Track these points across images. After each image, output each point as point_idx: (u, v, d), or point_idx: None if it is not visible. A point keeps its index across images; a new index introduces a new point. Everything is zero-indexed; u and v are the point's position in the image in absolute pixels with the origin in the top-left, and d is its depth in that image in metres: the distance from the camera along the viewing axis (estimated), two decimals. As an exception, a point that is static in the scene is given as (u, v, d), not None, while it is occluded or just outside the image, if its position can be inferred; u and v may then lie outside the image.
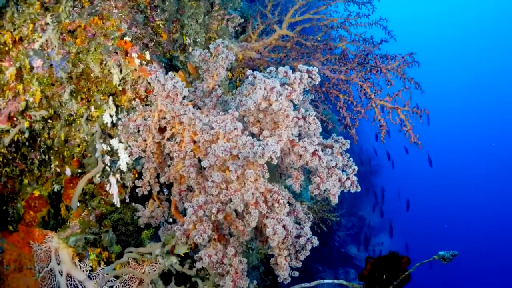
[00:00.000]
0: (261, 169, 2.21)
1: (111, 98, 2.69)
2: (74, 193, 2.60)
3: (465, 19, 51.46)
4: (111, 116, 2.69)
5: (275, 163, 2.13)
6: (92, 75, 2.66)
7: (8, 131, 2.62)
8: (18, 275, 2.64)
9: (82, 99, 2.67)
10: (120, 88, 2.68)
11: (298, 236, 2.32)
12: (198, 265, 2.30)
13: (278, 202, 2.25)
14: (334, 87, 2.88)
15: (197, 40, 2.98)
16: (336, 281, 2.78)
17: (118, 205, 2.66)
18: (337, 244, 11.30)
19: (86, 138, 2.73)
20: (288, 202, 2.43)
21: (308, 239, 2.30)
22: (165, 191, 2.80)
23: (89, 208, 2.82)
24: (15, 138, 2.63)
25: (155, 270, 2.56)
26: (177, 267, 2.55)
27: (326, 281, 2.76)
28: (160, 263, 2.56)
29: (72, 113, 2.68)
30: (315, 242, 2.33)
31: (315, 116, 2.30)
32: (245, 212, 2.22)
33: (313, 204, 4.15)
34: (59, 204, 2.90)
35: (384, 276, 2.77)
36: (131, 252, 2.61)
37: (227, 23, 3.05)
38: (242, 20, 3.14)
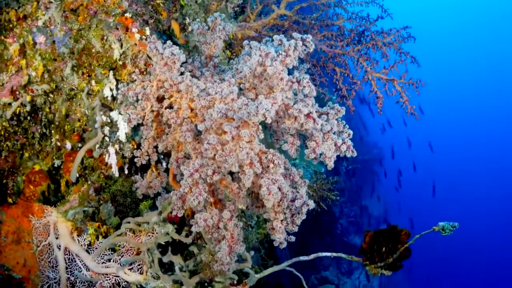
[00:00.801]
0: (256, 129, 2.23)
1: (111, 72, 2.74)
2: (73, 164, 2.63)
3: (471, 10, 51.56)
4: (111, 90, 2.74)
5: (269, 122, 2.14)
6: (93, 50, 2.73)
7: (10, 104, 2.67)
8: (15, 247, 2.65)
9: (83, 73, 2.74)
10: (120, 62, 2.74)
11: (293, 200, 2.31)
12: (193, 229, 2.30)
13: (273, 163, 2.26)
14: (330, 61, 2.92)
15: (196, 20, 3.05)
16: (334, 254, 2.75)
17: (117, 174, 2.69)
18: (339, 233, 11.19)
19: (87, 112, 2.78)
20: (284, 167, 2.44)
21: (304, 202, 2.29)
22: (164, 165, 2.82)
23: (89, 182, 2.85)
24: (17, 111, 2.68)
25: (152, 239, 2.56)
26: (174, 235, 2.55)
27: (324, 254, 2.73)
28: (157, 232, 2.56)
29: (73, 87, 2.74)
30: (311, 204, 2.33)
31: (309, 79, 2.33)
32: (240, 173, 2.23)
33: (313, 182, 4.14)
34: (60, 181, 2.93)
35: (384, 248, 2.74)
36: (129, 222, 2.62)
37: (226, 4, 3.14)
38: (241, 1, 3.22)
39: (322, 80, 3.03)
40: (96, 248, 2.78)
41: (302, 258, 2.76)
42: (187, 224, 2.63)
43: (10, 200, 2.74)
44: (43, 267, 2.75)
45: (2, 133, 2.69)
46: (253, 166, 2.19)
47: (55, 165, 2.85)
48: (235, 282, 2.71)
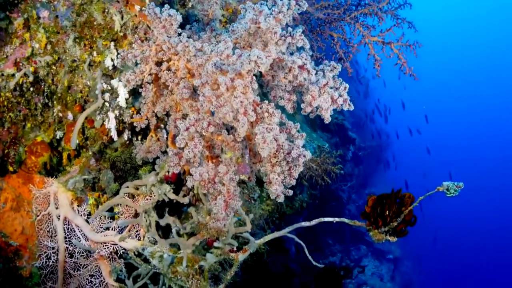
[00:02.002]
0: (250, 80, 2.24)
1: (112, 43, 2.81)
2: (74, 129, 2.66)
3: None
4: (112, 60, 2.80)
5: (262, 70, 2.15)
6: (95, 23, 2.80)
7: (13, 75, 2.74)
8: (14, 215, 2.65)
9: (85, 45, 2.81)
10: (121, 34, 2.81)
11: (290, 152, 2.29)
12: (189, 183, 2.28)
13: (267, 112, 2.26)
14: (327, 27, 2.95)
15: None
16: (337, 219, 2.68)
17: (116, 138, 2.70)
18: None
19: (89, 83, 2.83)
20: (280, 121, 2.43)
21: (301, 153, 2.27)
22: (164, 133, 2.83)
23: (90, 152, 2.87)
24: (20, 82, 2.75)
25: (149, 201, 2.54)
26: (170, 195, 2.52)
27: (326, 219, 2.67)
28: (154, 194, 2.54)
29: (76, 59, 2.81)
30: (308, 155, 2.30)
31: (302, 32, 2.35)
32: (235, 123, 2.22)
33: (316, 157, 4.08)
34: (62, 154, 2.96)
35: (387, 212, 2.66)
36: (127, 187, 2.61)
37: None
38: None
39: (319, 45, 3.06)
40: (96, 217, 2.76)
41: (303, 223, 2.70)
42: (184, 185, 2.61)
43: (11, 168, 2.76)
44: (41, 237, 2.74)
45: (5, 103, 2.74)
46: (248, 115, 2.18)
47: (57, 137, 2.88)
48: (235, 248, 2.65)
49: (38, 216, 2.75)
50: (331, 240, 10.07)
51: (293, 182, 2.32)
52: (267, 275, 4.79)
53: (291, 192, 2.32)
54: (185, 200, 2.54)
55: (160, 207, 2.62)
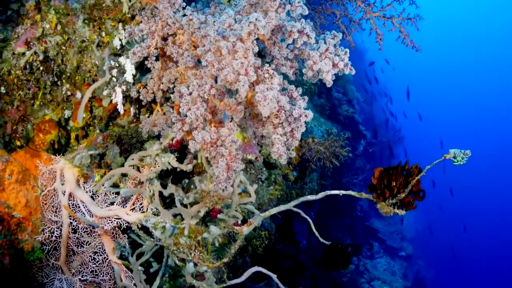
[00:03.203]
0: (250, 43, 2.27)
1: (120, 24, 2.89)
2: (81, 104, 2.70)
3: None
4: (120, 40, 2.88)
5: (261, 32, 2.18)
6: (103, 5, 2.89)
7: (24, 54, 2.83)
8: (19, 187, 2.66)
9: (94, 26, 2.89)
10: (129, 15, 2.90)
11: (291, 113, 2.29)
12: (191, 145, 2.28)
13: (268, 73, 2.28)
14: (329, 4, 2.98)
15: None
16: (343, 192, 2.63)
17: (122, 111, 2.73)
18: (360, 214, 10.62)
19: (97, 63, 2.90)
20: (282, 87, 2.44)
21: (303, 112, 2.26)
22: (170, 109, 2.85)
23: (97, 131, 2.90)
24: (30, 60, 2.83)
25: (153, 170, 2.53)
26: (174, 163, 2.52)
27: (332, 192, 2.62)
28: (158, 164, 2.54)
29: (85, 39, 2.89)
30: (310, 115, 2.29)
31: (300, 0, 2.39)
32: (236, 84, 2.24)
33: (324, 140, 4.04)
34: (69, 135, 3.00)
35: (394, 183, 2.60)
36: (133, 159, 2.62)
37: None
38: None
39: (322, 21, 3.10)
40: (101, 193, 2.76)
41: (309, 197, 2.65)
42: (188, 153, 2.60)
43: (18, 143, 2.81)
44: (46, 212, 2.74)
45: (15, 81, 2.82)
46: (248, 75, 2.20)
47: (65, 116, 2.93)
48: (239, 222, 2.61)
49: (43, 191, 2.76)
50: (343, 237, 9.86)
51: (296, 143, 2.30)
52: (277, 267, 4.67)
53: (293, 154, 2.29)
54: (189, 168, 2.53)
55: (164, 178, 2.62)
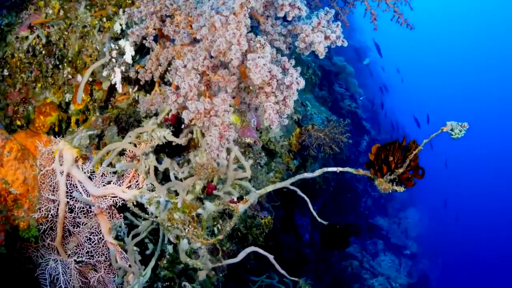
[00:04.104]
0: (243, 16, 2.30)
1: (121, 10, 2.97)
2: (80, 83, 2.75)
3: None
4: (121, 25, 2.94)
5: (254, 5, 2.21)
6: (105, -9, 2.99)
7: (27, 38, 2.91)
8: (17, 164, 2.68)
9: (95, 11, 2.97)
10: (129, 1, 2.97)
11: (284, 81, 2.29)
12: (185, 116, 2.29)
13: (259, 43, 2.29)
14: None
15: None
16: (340, 168, 2.59)
17: (120, 91, 2.77)
18: (363, 211, 10.34)
19: (98, 47, 2.96)
20: (276, 60, 2.45)
21: (295, 79, 2.27)
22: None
23: (97, 114, 2.94)
24: (33, 43, 2.90)
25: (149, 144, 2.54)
26: (169, 137, 2.52)
27: (330, 169, 2.58)
28: (154, 139, 2.55)
29: (86, 24, 2.96)
30: (302, 82, 2.29)
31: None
32: (229, 54, 2.26)
33: (324, 127, 4.01)
34: (70, 119, 3.05)
35: (392, 158, 2.57)
36: (130, 136, 2.63)
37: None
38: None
39: (316, 3, 3.12)
40: (99, 173, 2.77)
41: (306, 174, 2.62)
42: (185, 127, 2.61)
43: (18, 122, 2.85)
44: (43, 190, 2.75)
45: (18, 64, 2.89)
46: (240, 44, 2.22)
47: (66, 100, 2.98)
48: (235, 199, 2.59)
49: (41, 171, 2.78)
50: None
51: (288, 111, 2.29)
52: (279, 260, 4.57)
53: (286, 121, 2.28)
54: (184, 141, 2.53)
55: (160, 153, 2.62)
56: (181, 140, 2.53)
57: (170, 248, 3.17)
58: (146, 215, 2.56)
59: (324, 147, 4.05)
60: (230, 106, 2.33)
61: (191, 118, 2.32)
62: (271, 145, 3.78)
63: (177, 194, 2.55)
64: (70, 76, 2.96)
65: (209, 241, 2.52)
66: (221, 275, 3.34)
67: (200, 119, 2.31)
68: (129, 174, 2.71)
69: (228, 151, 2.53)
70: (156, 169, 2.70)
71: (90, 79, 2.97)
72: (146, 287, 3.03)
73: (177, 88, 2.64)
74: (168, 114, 2.57)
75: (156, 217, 2.54)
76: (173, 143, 2.54)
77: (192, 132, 2.62)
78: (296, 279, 2.78)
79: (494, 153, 35.91)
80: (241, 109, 3.16)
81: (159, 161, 2.63)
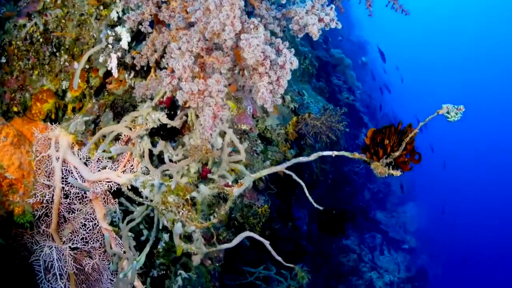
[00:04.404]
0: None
1: (118, -2, 2.99)
2: (77, 69, 2.75)
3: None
4: (117, 12, 2.96)
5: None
6: (103, -19, 3.01)
7: (25, 25, 2.93)
8: (13, 150, 2.69)
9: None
10: (126, -10, 2.99)
11: (277, 61, 2.29)
12: (179, 96, 2.29)
13: (253, 24, 2.30)
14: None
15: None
16: (336, 152, 2.58)
17: (116, 75, 2.77)
18: (362, 204, 10.28)
19: (95, 35, 2.98)
20: (270, 43, 2.45)
21: (289, 59, 2.26)
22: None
23: (93, 100, 2.95)
24: (31, 31, 2.92)
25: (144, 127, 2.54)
26: (164, 119, 2.52)
27: (325, 153, 2.57)
28: (148, 121, 2.55)
29: (83, 13, 2.98)
30: (295, 62, 2.29)
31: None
32: (222, 36, 2.26)
33: (321, 115, 3.99)
34: (67, 107, 3.05)
35: (388, 141, 2.55)
36: (125, 121, 2.63)
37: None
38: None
39: None
40: (94, 159, 2.77)
41: (301, 158, 2.61)
42: (182, 110, 2.60)
43: (15, 108, 2.86)
44: (39, 176, 2.75)
45: (15, 52, 2.91)
46: (234, 25, 2.23)
47: (63, 87, 2.99)
48: (230, 183, 2.57)
49: (37, 157, 2.78)
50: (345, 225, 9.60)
51: (282, 90, 2.29)
52: (277, 251, 4.53)
53: (279, 101, 2.28)
54: (178, 123, 2.53)
55: (155, 137, 2.61)
56: (176, 122, 2.52)
57: (166, 236, 3.16)
58: (141, 199, 2.55)
59: (321, 136, 4.04)
60: (225, 87, 2.34)
61: (185, 99, 2.32)
62: (267, 133, 3.77)
63: (171, 177, 2.54)
64: (67, 64, 2.98)
65: (203, 224, 2.51)
66: (217, 264, 3.31)
67: (194, 100, 2.31)
68: (124, 158, 2.71)
69: (223, 134, 2.52)
70: (151, 154, 2.70)
71: (87, 66, 2.98)
72: (141, 274, 3.01)
73: (172, 71, 2.65)
74: (163, 97, 2.57)
75: (151, 200, 2.53)
76: (168, 126, 2.53)
77: (187, 115, 2.62)
78: (291, 265, 2.76)
79: (494, 148, 35.77)
80: (237, 96, 3.16)
81: (154, 145, 2.63)
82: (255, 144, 3.37)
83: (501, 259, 22.74)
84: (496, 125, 40.53)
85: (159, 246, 3.16)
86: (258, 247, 4.59)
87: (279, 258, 2.74)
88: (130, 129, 2.64)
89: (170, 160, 2.54)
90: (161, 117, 2.52)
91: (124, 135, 2.70)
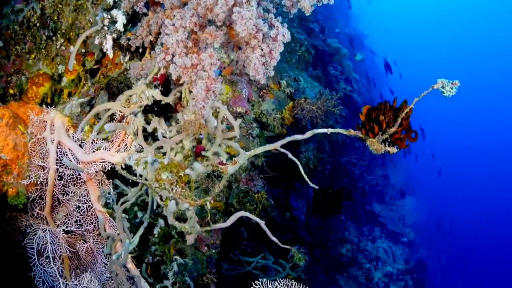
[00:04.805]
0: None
1: (114, -17, 3.01)
2: (72, 51, 2.77)
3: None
4: (113, -3, 2.99)
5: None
6: (99, -34, 3.04)
7: (22, 10, 2.95)
8: (8, 131, 2.68)
9: (89, -15, 3.02)
10: (123, -25, 3.02)
11: (270, 34, 2.29)
12: (172, 70, 2.30)
13: (247, -2, 2.30)
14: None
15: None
16: (331, 129, 2.56)
17: (111, 56, 2.78)
18: (359, 196, 10.13)
19: (91, 20, 3.00)
20: (263, 19, 2.46)
21: (281, 32, 2.26)
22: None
23: (89, 84, 2.95)
24: (28, 15, 2.95)
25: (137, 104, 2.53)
26: (158, 96, 2.52)
27: (320, 130, 2.55)
28: (142, 98, 2.54)
29: (80, -3, 3.01)
30: (287, 35, 2.28)
31: None
32: (215, 10, 2.27)
33: (317, 100, 3.96)
34: (62, 92, 3.06)
35: (383, 117, 2.53)
36: (120, 100, 2.63)
37: None
38: None
39: None
40: (89, 140, 2.76)
41: (296, 136, 2.58)
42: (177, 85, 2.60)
43: (11, 91, 2.87)
44: (33, 158, 2.74)
45: (13, 36, 2.93)
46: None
47: (59, 71, 3.00)
48: (224, 161, 2.55)
49: (32, 139, 2.78)
50: (343, 216, 9.50)
51: (274, 62, 2.28)
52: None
53: (272, 73, 2.27)
54: (172, 99, 2.52)
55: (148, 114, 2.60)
56: (170, 98, 2.51)
57: (161, 222, 3.13)
58: (134, 177, 2.53)
59: (317, 120, 4.02)
60: (218, 61, 2.33)
61: (179, 73, 2.32)
62: (263, 118, 3.75)
63: (165, 155, 2.52)
64: (63, 48, 2.99)
65: (197, 202, 2.48)
66: (214, 251, 3.27)
67: (187, 74, 2.31)
68: (118, 138, 2.70)
69: (216, 110, 2.50)
70: (146, 135, 2.68)
71: (83, 50, 3.00)
72: (137, 259, 2.98)
73: (167, 49, 2.66)
74: (156, 74, 2.57)
75: (145, 179, 2.50)
76: (162, 103, 2.52)
77: (181, 93, 2.61)
78: (288, 246, 2.71)
79: (494, 144, 35.61)
80: (232, 79, 3.15)
81: (148, 123, 2.61)
82: (251, 127, 3.35)
83: (504, 254, 22.54)
84: (498, 118, 40.42)
85: (154, 232, 3.13)
86: (256, 238, 4.55)
87: (274, 239, 2.70)
88: (124, 107, 2.64)
89: (164, 137, 2.53)
90: (155, 94, 2.51)
91: (118, 115, 2.69)
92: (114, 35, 2.83)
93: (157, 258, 3.08)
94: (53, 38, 2.99)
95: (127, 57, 2.95)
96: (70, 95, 3.06)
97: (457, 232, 19.38)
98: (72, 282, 2.71)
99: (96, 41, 2.84)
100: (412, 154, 16.23)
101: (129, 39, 2.80)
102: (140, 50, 2.88)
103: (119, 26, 2.82)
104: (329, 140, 5.84)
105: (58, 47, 2.99)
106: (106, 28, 2.84)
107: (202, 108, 2.24)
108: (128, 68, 2.96)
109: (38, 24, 2.97)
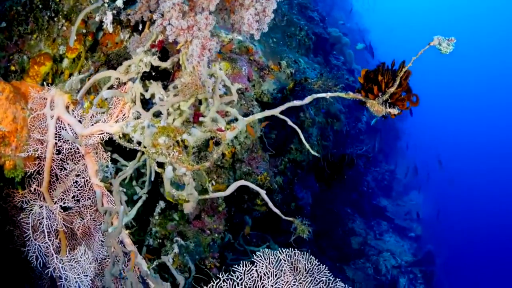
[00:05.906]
0: None
1: (115, -34, 3.08)
2: (72, 28, 2.80)
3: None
4: (114, -21, 3.05)
5: None
6: (102, -49, 3.12)
7: (25, -8, 3.02)
8: (9, 104, 2.67)
9: (91, -32, 3.09)
10: (124, -42, 3.10)
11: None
12: (168, 31, 2.30)
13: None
14: None
15: None
16: (330, 94, 2.52)
17: (110, 30, 2.80)
18: (366, 190, 10.02)
19: (91, 1, 3.05)
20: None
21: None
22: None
23: (90, 62, 2.97)
24: (30, -3, 3.01)
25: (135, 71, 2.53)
26: (155, 62, 2.51)
27: (319, 95, 2.52)
28: (141, 66, 2.54)
29: (82, -20, 3.08)
30: (283, -8, 2.28)
31: None
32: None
33: (317, 80, 3.90)
34: (63, 73, 3.08)
35: (382, 78, 2.49)
36: (119, 71, 2.63)
37: None
38: None
39: None
40: (88, 115, 2.75)
41: (296, 102, 2.55)
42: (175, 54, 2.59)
43: (13, 68, 2.89)
44: (32, 132, 2.73)
45: (16, 16, 2.98)
46: (222, -40, 2.26)
47: (61, 52, 3.03)
48: (222, 127, 2.51)
49: (32, 115, 2.77)
50: (350, 210, 9.17)
51: (268, 19, 2.28)
52: (281, 231, 4.32)
53: (266, 28, 2.26)
54: (170, 64, 2.50)
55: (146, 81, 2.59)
56: (167, 63, 2.50)
57: (162, 203, 3.06)
58: (131, 145, 2.49)
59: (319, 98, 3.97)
60: (213, 20, 2.33)
61: (176, 34, 2.32)
62: (264, 98, 3.71)
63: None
64: (64, 28, 3.03)
65: (195, 166, 2.42)
66: (216, 235, 3.17)
67: (183, 35, 2.31)
68: (116, 110, 2.68)
69: (212, 71, 2.48)
70: (144, 104, 2.67)
71: (84, 30, 3.03)
72: (136, 242, 2.90)
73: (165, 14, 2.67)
74: (154, 40, 2.57)
75: (144, 147, 2.47)
76: (160, 68, 2.52)
77: (179, 59, 2.61)
78: (291, 218, 2.62)
79: (496, 140, 35.02)
80: (231, 56, 3.15)
81: (146, 90, 2.60)
82: (251, 104, 3.31)
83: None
84: (500, 114, 39.95)
85: (155, 214, 3.06)
86: (261, 228, 4.42)
87: (276, 211, 2.62)
88: (123, 74, 2.63)
89: (161, 99, 2.51)
90: (153, 60, 2.51)
91: (117, 84, 2.69)
92: (114, 12, 2.86)
93: (158, 240, 2.99)
94: (55, 19, 3.04)
95: (127, 36, 2.97)
96: (71, 76, 3.07)
97: (460, 227, 19.04)
98: (66, 257, 2.63)
99: (97, 18, 2.88)
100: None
101: (128, 15, 2.83)
102: (140, 28, 2.91)
103: (119, 3, 2.86)
104: (332, 129, 5.76)
105: (59, 27, 3.03)
106: (106, 5, 2.88)
107: (198, 65, 2.22)
108: (128, 45, 2.98)
109: (40, 6, 3.02)
